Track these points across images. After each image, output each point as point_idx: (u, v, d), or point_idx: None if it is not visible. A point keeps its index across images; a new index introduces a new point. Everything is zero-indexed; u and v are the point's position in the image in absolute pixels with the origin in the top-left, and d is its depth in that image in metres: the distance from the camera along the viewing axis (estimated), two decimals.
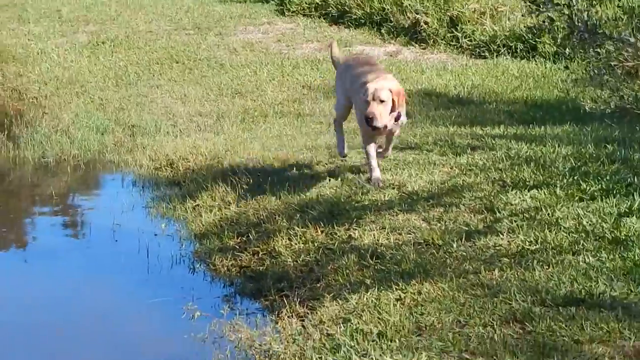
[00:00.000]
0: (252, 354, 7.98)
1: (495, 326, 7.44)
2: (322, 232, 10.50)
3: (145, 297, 10.03)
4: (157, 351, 8.33)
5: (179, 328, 8.98)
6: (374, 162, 11.00)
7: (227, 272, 10.89)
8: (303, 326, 8.27)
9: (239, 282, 10.56)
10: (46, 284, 10.54)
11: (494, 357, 6.82)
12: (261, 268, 10.62)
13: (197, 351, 8.27)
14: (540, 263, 8.52)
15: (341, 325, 7.96)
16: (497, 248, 8.98)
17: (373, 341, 7.23)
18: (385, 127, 10.47)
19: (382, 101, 10.20)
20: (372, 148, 10.99)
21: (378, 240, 9.79)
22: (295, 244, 10.52)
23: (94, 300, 10.05)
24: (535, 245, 9.00)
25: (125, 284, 10.51)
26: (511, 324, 7.49)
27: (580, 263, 8.40)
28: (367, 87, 10.35)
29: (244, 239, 11.37)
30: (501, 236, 9.29)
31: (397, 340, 7.20)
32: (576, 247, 8.79)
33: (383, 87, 10.33)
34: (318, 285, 9.49)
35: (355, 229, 10.25)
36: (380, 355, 6.94)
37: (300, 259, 10.26)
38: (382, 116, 10.26)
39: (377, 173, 11.02)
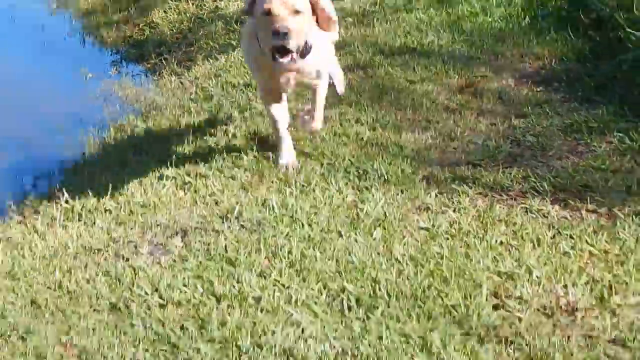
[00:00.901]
0: (138, 106, 7.83)
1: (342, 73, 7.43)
2: (192, 4, 10.28)
3: (43, 66, 9.71)
4: (57, 109, 8.08)
5: (75, 89, 8.77)
6: (282, 130, 5.72)
7: (113, 42, 10.66)
8: (181, 82, 8.13)
9: (124, 50, 10.35)
10: None
11: (341, 97, 6.82)
12: (142, 37, 10.43)
13: (91, 107, 8.07)
14: (379, 21, 8.47)
15: (213, 79, 7.84)
16: (343, 9, 8.84)
17: (240, 90, 7.17)
18: (297, 52, 5.05)
19: (297, 12, 5.02)
20: (277, 109, 5.70)
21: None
22: (171, 15, 10.31)
23: None
24: (375, 7, 8.93)
25: (25, 56, 10.12)
26: (355, 71, 7.47)
27: (413, 19, 8.37)
28: None
29: (126, 13, 11.11)
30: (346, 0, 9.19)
31: None
32: (409, 6, 8.74)
33: None
34: (192, 48, 9.33)
35: (222, 0, 10.06)
36: None
37: (176, 28, 10.08)
38: (298, 34, 5.01)
39: (287, 155, 5.72)
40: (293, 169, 5.61)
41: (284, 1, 4.98)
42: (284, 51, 4.93)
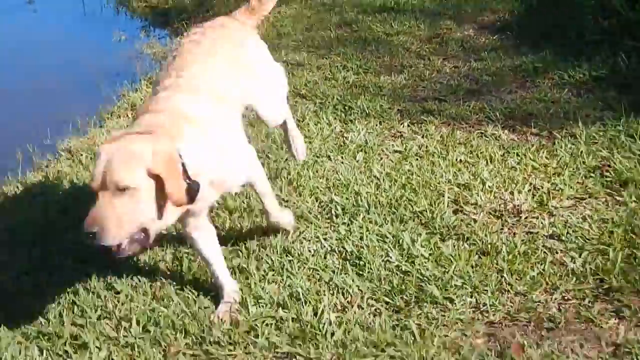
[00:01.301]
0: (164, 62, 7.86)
1: (332, 29, 7.45)
2: None
3: (84, 31, 9.76)
4: (97, 64, 8.08)
5: (112, 49, 8.81)
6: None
7: (142, 10, 10.64)
8: None
9: (151, 17, 10.34)
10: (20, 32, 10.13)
11: (331, 48, 6.87)
12: (167, 6, 10.40)
13: (125, 63, 8.10)
14: None
15: None
16: None
17: None
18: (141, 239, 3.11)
19: (122, 190, 3.02)
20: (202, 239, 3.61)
21: None
22: None
23: (49, 34, 9.66)
24: None
25: (68, 23, 10.14)
26: (343, 27, 7.50)
27: None
28: (97, 154, 3.16)
29: None
30: None
31: None
32: None
33: (129, 155, 3.06)
34: (209, 14, 9.26)
35: None
36: None
37: None
38: (121, 223, 3.00)
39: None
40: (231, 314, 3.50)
41: (105, 175, 3.02)
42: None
